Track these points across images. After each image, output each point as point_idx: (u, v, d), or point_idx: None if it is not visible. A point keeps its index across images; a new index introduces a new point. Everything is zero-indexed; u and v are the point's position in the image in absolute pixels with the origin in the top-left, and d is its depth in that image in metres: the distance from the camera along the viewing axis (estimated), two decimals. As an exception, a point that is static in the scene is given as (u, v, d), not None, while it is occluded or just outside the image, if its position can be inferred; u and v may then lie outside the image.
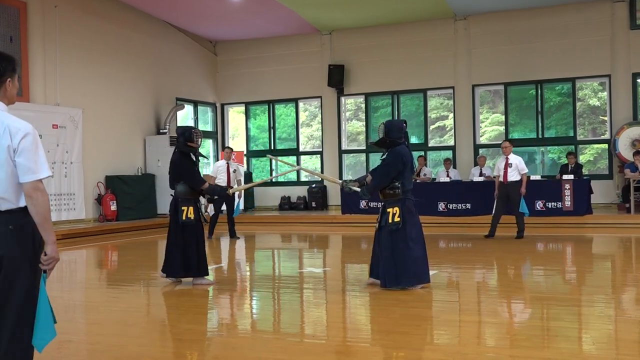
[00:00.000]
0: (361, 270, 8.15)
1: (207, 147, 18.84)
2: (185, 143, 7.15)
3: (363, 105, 18.01)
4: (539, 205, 13.01)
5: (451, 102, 17.14)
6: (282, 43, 18.27)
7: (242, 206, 15.00)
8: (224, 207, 12.34)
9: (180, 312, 5.97)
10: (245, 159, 18.79)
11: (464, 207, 13.63)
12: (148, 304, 6.62)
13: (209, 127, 19.05)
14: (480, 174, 14.33)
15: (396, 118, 16.89)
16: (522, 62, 16.09)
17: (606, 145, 15.83)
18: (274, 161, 18.38)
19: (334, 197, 16.91)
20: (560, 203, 12.97)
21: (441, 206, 13.81)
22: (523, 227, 11.07)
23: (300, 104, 18.71)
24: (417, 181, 14.94)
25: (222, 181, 11.95)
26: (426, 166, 16.11)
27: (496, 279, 7.86)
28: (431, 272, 6.85)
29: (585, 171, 15.12)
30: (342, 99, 18.05)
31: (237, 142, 19.56)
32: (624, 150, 14.70)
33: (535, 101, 16.36)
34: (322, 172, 17.71)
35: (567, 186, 12.94)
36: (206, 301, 6.54)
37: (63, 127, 13.87)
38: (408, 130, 6.98)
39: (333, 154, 17.97)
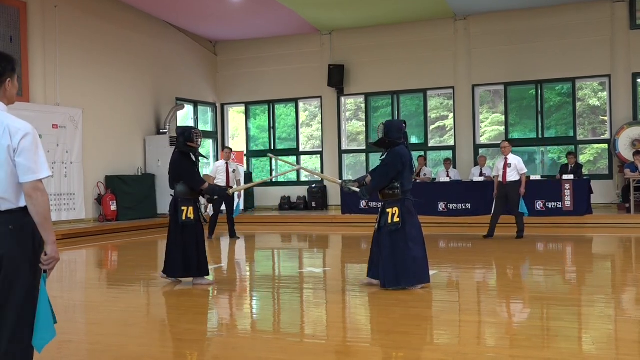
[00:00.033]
0: (361, 270, 8.13)
1: (207, 147, 18.84)
2: (185, 143, 7.15)
3: (363, 105, 18.01)
4: (539, 205, 13.01)
5: (451, 102, 17.14)
6: (282, 43, 18.27)
7: (242, 206, 15.00)
8: (223, 207, 12.34)
9: (180, 312, 5.97)
10: (245, 159, 18.79)
11: (464, 207, 13.63)
12: (148, 304, 6.62)
13: (209, 127, 19.05)
14: (481, 174, 14.33)
15: (396, 118, 16.90)
16: (522, 62, 16.09)
17: (606, 145, 15.83)
18: (274, 161, 18.38)
19: (334, 197, 16.91)
20: (560, 203, 12.97)
21: (441, 206, 13.81)
22: (523, 227, 11.06)
23: (300, 104, 18.71)
24: (417, 181, 14.95)
25: (221, 181, 11.95)
26: (426, 166, 16.11)
27: (496, 279, 7.86)
28: (431, 272, 6.85)
29: (585, 171, 15.13)
30: (342, 99, 18.06)
31: (237, 142, 19.57)
32: (624, 150, 14.70)
33: (535, 101, 16.36)
34: (322, 172, 17.70)
35: (567, 186, 12.94)
36: (206, 301, 6.54)
37: (63, 127, 13.87)
38: (408, 130, 6.99)
39: (333, 154, 17.97)
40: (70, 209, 13.99)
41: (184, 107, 17.57)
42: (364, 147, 17.81)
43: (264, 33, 17.99)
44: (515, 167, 11.07)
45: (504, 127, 16.70)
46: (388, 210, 6.46)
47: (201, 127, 18.11)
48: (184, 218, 6.99)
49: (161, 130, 16.58)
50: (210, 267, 7.59)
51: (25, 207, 2.98)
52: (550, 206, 13.02)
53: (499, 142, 13.06)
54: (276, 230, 14.80)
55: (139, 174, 16.04)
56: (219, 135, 19.30)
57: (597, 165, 16.41)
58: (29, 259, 2.99)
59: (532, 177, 13.75)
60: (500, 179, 11.18)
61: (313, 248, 11.96)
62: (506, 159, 11.17)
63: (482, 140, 17.05)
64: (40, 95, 13.49)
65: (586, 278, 7.67)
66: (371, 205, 13.42)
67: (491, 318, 5.54)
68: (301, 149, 18.68)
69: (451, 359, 4.14)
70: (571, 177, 13.24)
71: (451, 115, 17.19)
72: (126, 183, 15.28)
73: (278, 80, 18.43)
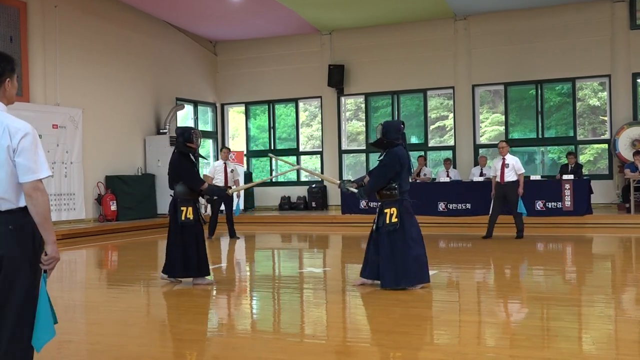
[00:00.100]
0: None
1: (207, 147, 18.84)
2: (185, 143, 7.15)
3: (363, 105, 18.01)
4: (539, 205, 13.01)
5: (451, 102, 17.14)
6: (282, 43, 18.27)
7: (242, 206, 15.00)
8: (222, 207, 12.33)
9: (180, 312, 5.97)
10: (245, 159, 18.79)
11: (464, 207, 13.63)
12: (148, 304, 6.62)
13: (209, 127, 19.05)
14: (481, 174, 14.32)
15: (396, 118, 16.90)
16: (522, 62, 16.09)
17: (606, 145, 15.83)
18: (274, 161, 18.38)
19: (334, 197, 16.91)
20: (560, 203, 12.97)
21: (441, 206, 13.81)
22: (522, 227, 11.05)
23: (300, 104, 18.71)
24: (417, 181, 14.96)
25: (219, 181, 11.94)
26: (426, 166, 16.11)
27: (496, 279, 7.86)
28: (431, 272, 6.85)
29: (585, 171, 15.13)
30: (342, 99, 18.06)
31: (237, 142, 19.57)
32: (624, 150, 14.70)
33: (535, 101, 16.36)
34: (322, 172, 17.72)
35: (567, 186, 12.94)
36: (206, 301, 6.54)
37: (63, 127, 13.87)
38: (408, 130, 7.00)
39: (333, 154, 17.97)
40: (70, 209, 13.99)
41: (184, 107, 17.57)
42: (364, 147, 17.81)
43: (264, 33, 17.99)
44: (513, 167, 11.05)
45: (504, 127, 16.70)
46: (386, 210, 6.47)
47: (201, 127, 18.11)
48: (183, 218, 6.99)
49: (161, 130, 16.58)
50: (210, 267, 7.58)
51: (25, 207, 2.98)
52: (550, 206, 13.01)
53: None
54: (276, 230, 14.80)
55: (139, 174, 16.04)
56: (219, 135, 19.29)
57: (597, 165, 16.41)
58: (29, 259, 2.99)
59: (532, 177, 13.77)
60: (498, 179, 11.17)
61: (313, 248, 11.96)
62: (504, 159, 11.16)
63: (482, 140, 17.05)
64: (40, 95, 13.49)
65: (586, 278, 7.67)
66: (371, 205, 13.40)
67: (491, 318, 5.54)
68: (301, 149, 18.68)
69: (451, 359, 4.14)
70: (571, 177, 13.23)
71: (451, 115, 17.19)
72: (126, 183, 15.28)
73: (278, 80, 18.43)
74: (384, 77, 17.31)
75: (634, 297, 6.41)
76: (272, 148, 18.80)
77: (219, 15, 16.46)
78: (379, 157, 6.78)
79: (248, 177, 17.98)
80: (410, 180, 6.85)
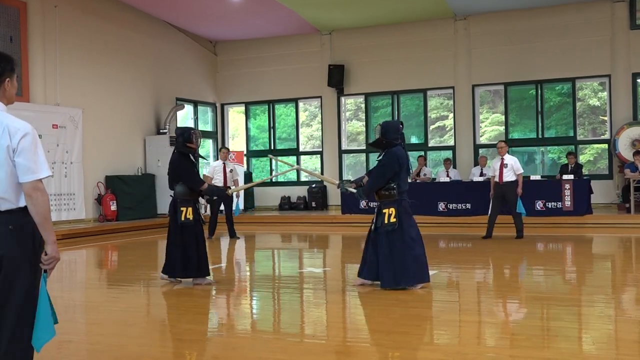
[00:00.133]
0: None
1: (207, 147, 18.84)
2: (184, 144, 7.15)
3: (363, 105, 18.01)
4: (539, 205, 13.01)
5: (451, 102, 17.14)
6: (282, 43, 18.27)
7: (241, 206, 15.01)
8: (222, 207, 12.32)
9: (180, 312, 5.97)
10: (245, 159, 18.79)
11: (464, 207, 13.63)
12: (148, 304, 6.62)
13: (209, 127, 19.05)
14: (481, 174, 14.32)
15: (396, 118, 16.90)
16: (522, 62, 16.09)
17: (606, 145, 15.83)
18: (274, 161, 18.38)
19: (334, 197, 16.91)
20: (560, 203, 12.97)
21: (441, 206, 13.81)
22: (522, 227, 11.05)
23: (300, 104, 18.71)
24: (417, 181, 14.96)
25: (218, 181, 11.95)
26: (426, 166, 16.11)
27: (496, 279, 7.86)
28: (431, 272, 6.85)
29: (585, 171, 15.12)
30: (342, 99, 18.05)
31: (237, 142, 19.57)
32: (624, 150, 14.70)
33: (535, 101, 16.36)
34: (322, 172, 17.74)
35: (567, 186, 12.94)
36: (206, 301, 6.53)
37: (63, 127, 13.87)
38: (408, 130, 7.00)
39: (333, 154, 17.97)
40: (70, 209, 13.99)
41: (184, 107, 17.57)
42: (364, 147, 17.81)
43: (264, 33, 17.99)
44: (511, 167, 11.04)
45: (504, 127, 16.70)
46: (384, 210, 6.47)
47: (201, 127, 18.11)
48: (183, 219, 6.99)
49: (161, 130, 16.58)
50: (210, 267, 7.58)
51: (25, 207, 2.98)
52: (550, 206, 13.01)
53: (498, 142, 13.02)
54: (276, 230, 14.80)
55: (139, 174, 16.04)
56: (218, 135, 19.29)
57: (597, 165, 16.41)
58: (29, 259, 2.99)
59: (532, 177, 13.78)
60: (496, 179, 11.16)
61: (313, 248, 11.96)
62: (502, 159, 11.15)
63: (482, 140, 17.05)
64: (40, 95, 13.49)
65: (586, 278, 7.67)
66: (371, 205, 13.39)
67: (491, 318, 5.54)
68: (301, 149, 18.68)
69: (451, 359, 4.14)
70: (571, 177, 13.23)
71: (451, 115, 17.19)
72: (126, 183, 15.28)
73: (278, 80, 18.43)
74: (384, 77, 17.31)
75: (634, 297, 6.41)
76: (272, 148, 18.81)
77: (219, 15, 16.46)
78: (377, 157, 6.79)
79: (248, 177, 17.98)
80: (409, 181, 6.85)
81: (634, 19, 15.23)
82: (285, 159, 17.85)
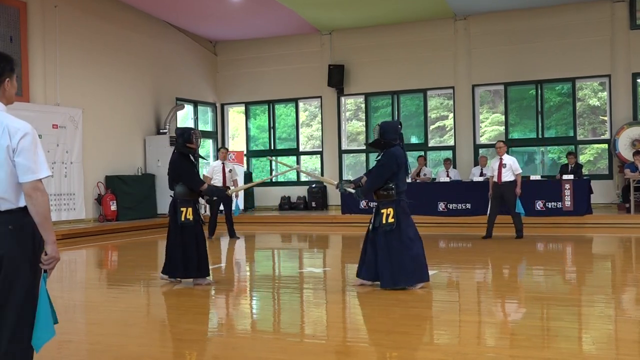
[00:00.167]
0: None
1: (207, 147, 18.84)
2: (184, 144, 7.15)
3: (363, 105, 18.01)
4: (539, 205, 13.01)
5: (451, 102, 17.14)
6: (282, 43, 18.27)
7: (241, 206, 15.00)
8: (221, 207, 12.32)
9: (180, 312, 5.97)
10: (245, 159, 18.79)
11: (464, 207, 13.63)
12: (148, 304, 6.62)
13: (209, 127, 19.05)
14: (481, 174, 14.30)
15: (396, 118, 16.91)
16: (522, 62, 16.09)
17: (606, 145, 15.83)
18: (274, 163, 18.39)
19: (334, 197, 16.91)
20: (560, 203, 12.96)
21: (441, 206, 13.81)
22: (521, 227, 11.04)
23: (300, 104, 18.71)
24: (417, 181, 14.95)
25: (217, 181, 11.95)
26: (426, 166, 16.10)
27: (496, 279, 7.86)
28: (431, 272, 6.85)
29: (585, 171, 15.13)
30: (342, 99, 18.06)
31: (237, 142, 19.57)
32: (624, 150, 14.70)
33: (535, 101, 16.36)
34: (322, 172, 17.75)
35: (567, 186, 12.94)
36: (206, 301, 6.54)
37: (63, 127, 13.87)
38: (408, 130, 7.00)
39: (333, 154, 17.97)
40: (70, 209, 13.99)
41: (184, 107, 17.57)
42: (364, 147, 17.81)
43: (264, 33, 17.99)
44: (510, 167, 11.03)
45: (504, 127, 16.70)
46: (383, 210, 6.47)
47: (201, 127, 18.11)
48: (183, 219, 6.99)
49: (161, 130, 16.58)
50: (209, 267, 7.58)
51: (25, 207, 2.98)
52: (550, 206, 13.01)
53: (498, 142, 13.02)
54: (276, 230, 14.81)
55: (139, 174, 16.04)
56: (218, 135, 19.29)
57: (597, 165, 16.41)
58: (29, 259, 2.99)
59: (532, 177, 13.77)
60: (495, 179, 11.15)
61: (313, 248, 11.96)
62: (501, 159, 11.13)
63: (482, 140, 17.05)
64: (40, 95, 13.49)
65: (586, 278, 7.67)
66: (371, 205, 13.33)
67: (491, 318, 5.54)
68: (301, 149, 18.68)
69: (451, 359, 4.14)
70: (571, 177, 13.23)
71: (451, 115, 17.19)
72: (126, 183, 15.28)
73: (278, 80, 18.43)
74: (384, 77, 17.31)
75: (634, 297, 6.41)
76: (272, 148, 18.81)
77: (219, 15, 16.47)
78: (376, 158, 6.79)
79: (248, 177, 17.98)
80: (409, 180, 6.86)
81: (634, 19, 15.23)
82: (285, 159, 17.85)
